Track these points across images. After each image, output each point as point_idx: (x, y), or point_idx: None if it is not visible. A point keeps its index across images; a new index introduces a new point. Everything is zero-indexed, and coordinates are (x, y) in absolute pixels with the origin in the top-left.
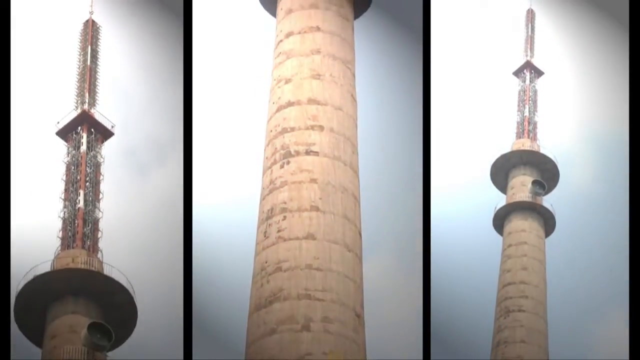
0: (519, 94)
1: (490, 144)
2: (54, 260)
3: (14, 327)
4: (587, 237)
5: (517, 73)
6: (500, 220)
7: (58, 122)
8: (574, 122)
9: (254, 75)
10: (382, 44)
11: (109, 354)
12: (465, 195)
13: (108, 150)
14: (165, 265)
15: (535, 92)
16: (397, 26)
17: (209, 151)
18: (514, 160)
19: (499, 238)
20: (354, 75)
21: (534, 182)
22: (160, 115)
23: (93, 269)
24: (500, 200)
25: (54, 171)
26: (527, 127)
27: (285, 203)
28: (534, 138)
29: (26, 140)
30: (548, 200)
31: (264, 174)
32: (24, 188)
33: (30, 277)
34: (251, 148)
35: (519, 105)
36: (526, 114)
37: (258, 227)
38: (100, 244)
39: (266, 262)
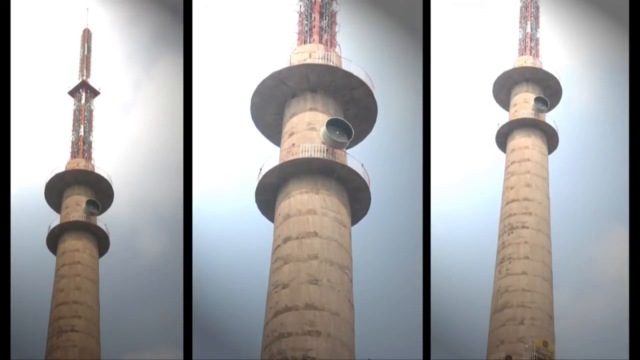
0: (521, 10)
1: (492, 62)
2: (66, 165)
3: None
4: (590, 153)
5: None
6: (503, 137)
7: (69, 86)
8: (575, 39)
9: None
10: None
11: None
12: (467, 116)
13: (97, 102)
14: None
15: (537, 8)
16: None
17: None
18: (516, 77)
19: (502, 156)
20: (351, 280)
21: (537, 99)
22: (128, 81)
23: (87, 169)
24: (502, 117)
25: (66, 114)
26: (529, 44)
27: None
28: (536, 55)
29: (48, 97)
30: (551, 117)
31: None
32: (48, 126)
33: (52, 174)
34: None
35: (520, 22)
36: (528, 30)
37: None
38: (93, 156)
39: None
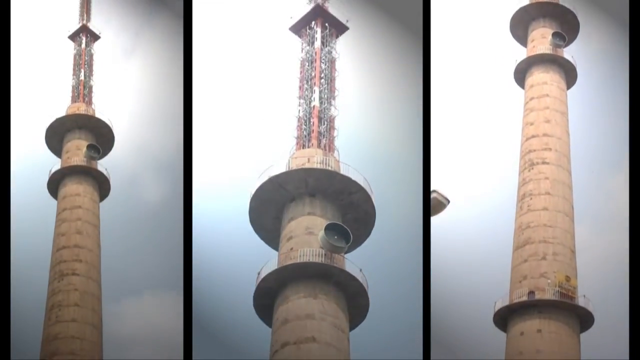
0: None
1: None
2: (66, 109)
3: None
4: (608, 88)
5: None
6: (521, 73)
7: (69, 31)
8: None
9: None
10: None
11: None
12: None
13: (97, 47)
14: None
15: None
16: None
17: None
18: (533, 13)
19: (520, 92)
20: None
21: (554, 34)
22: (129, 27)
23: (87, 113)
24: (519, 54)
25: (67, 59)
26: None
27: None
28: None
29: (48, 41)
30: (569, 52)
31: None
32: (48, 70)
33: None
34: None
35: None
36: None
37: None
38: (94, 100)
39: None
